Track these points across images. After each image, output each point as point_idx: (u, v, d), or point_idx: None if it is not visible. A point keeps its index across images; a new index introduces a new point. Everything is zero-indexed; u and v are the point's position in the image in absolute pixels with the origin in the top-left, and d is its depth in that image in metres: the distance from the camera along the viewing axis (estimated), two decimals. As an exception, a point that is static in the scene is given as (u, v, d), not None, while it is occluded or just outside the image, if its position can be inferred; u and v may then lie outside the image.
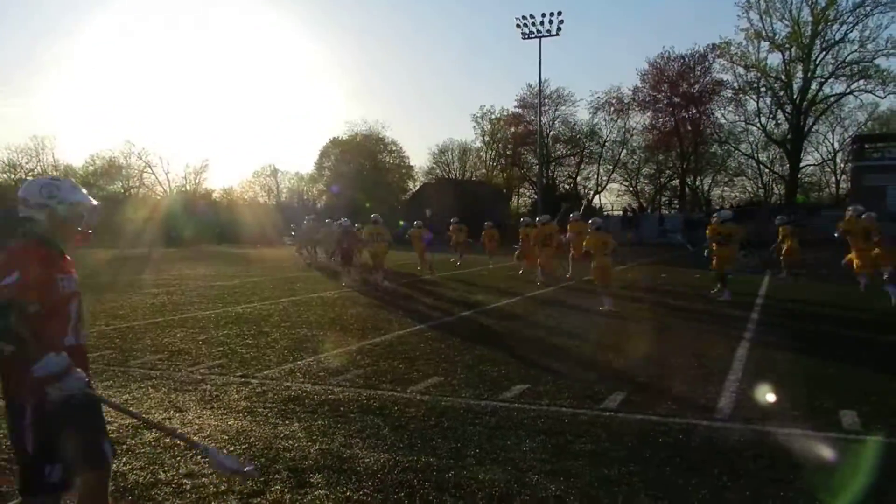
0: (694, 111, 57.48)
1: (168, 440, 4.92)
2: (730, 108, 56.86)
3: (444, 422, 5.33)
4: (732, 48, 53.70)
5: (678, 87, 56.89)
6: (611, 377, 6.71)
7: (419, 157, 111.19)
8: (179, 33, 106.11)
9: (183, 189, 65.84)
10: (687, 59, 56.43)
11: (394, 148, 68.71)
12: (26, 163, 64.08)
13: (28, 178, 62.95)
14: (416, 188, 67.57)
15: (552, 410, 5.58)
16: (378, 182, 64.05)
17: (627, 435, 4.93)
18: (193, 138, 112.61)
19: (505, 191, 67.18)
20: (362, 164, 66.00)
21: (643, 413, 5.45)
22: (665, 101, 58.23)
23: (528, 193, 67.64)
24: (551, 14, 45.72)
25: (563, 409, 5.61)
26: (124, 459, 4.56)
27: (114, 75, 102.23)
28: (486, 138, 67.76)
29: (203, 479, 4.18)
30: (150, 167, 66.53)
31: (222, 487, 4.05)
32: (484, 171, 69.08)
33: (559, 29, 45.82)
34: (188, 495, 3.97)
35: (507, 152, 66.16)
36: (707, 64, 56.11)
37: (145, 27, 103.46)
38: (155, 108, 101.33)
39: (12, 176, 63.69)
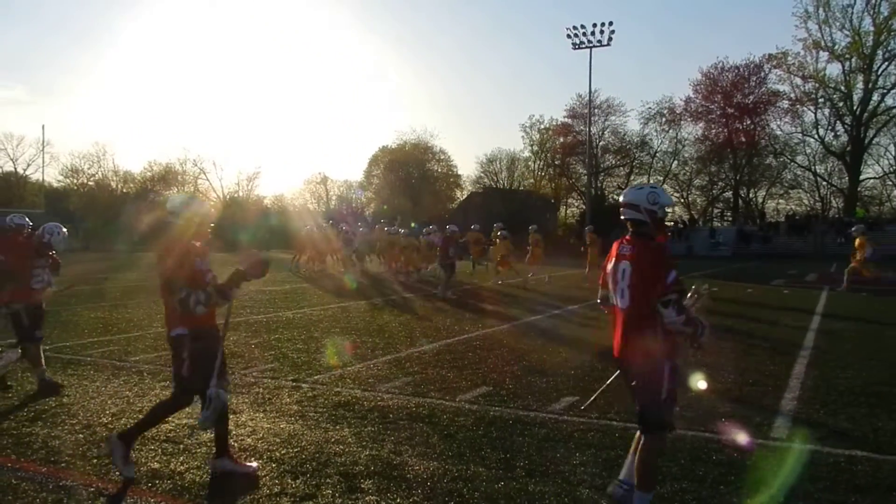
0: (748, 122, 56.20)
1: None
2: (786, 120, 55.47)
3: (492, 432, 5.33)
4: (789, 58, 52.45)
5: (732, 97, 55.72)
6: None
7: (467, 167, 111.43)
8: (233, 43, 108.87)
9: (235, 195, 67.33)
10: (742, 70, 55.28)
11: (442, 157, 69.00)
12: (88, 168, 66.46)
13: (90, 182, 65.32)
14: (464, 197, 67.65)
15: (602, 424, 5.52)
16: (426, 190, 64.37)
17: (680, 452, 4.83)
18: (246, 146, 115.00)
19: (553, 201, 66.70)
20: (410, 172, 66.47)
21: (696, 430, 5.34)
22: (718, 112, 57.10)
23: (576, 203, 67.05)
24: (602, 24, 45.48)
25: (614, 422, 5.55)
26: (181, 459, 4.69)
27: (169, 83, 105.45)
28: (535, 148, 67.45)
29: (257, 481, 4.27)
30: (204, 173, 68.26)
31: (276, 489, 4.13)
32: (532, 180, 68.71)
33: (610, 39, 45.51)
34: (243, 496, 4.06)
35: (556, 162, 65.71)
36: (762, 74, 54.88)
37: (198, 36, 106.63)
38: (209, 115, 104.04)
39: (74, 181, 66.12)
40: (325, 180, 73.00)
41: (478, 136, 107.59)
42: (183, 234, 4.31)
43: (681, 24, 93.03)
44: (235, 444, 4.97)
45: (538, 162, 68.28)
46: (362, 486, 4.19)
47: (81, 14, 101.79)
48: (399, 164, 66.94)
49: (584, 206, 57.24)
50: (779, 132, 56.50)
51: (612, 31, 45.52)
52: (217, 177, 69.29)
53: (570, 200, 68.40)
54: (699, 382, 6.30)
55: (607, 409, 5.92)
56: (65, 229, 7.06)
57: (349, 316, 12.31)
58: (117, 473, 4.33)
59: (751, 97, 55.47)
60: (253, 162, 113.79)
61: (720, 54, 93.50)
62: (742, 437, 5.09)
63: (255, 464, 4.53)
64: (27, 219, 7.05)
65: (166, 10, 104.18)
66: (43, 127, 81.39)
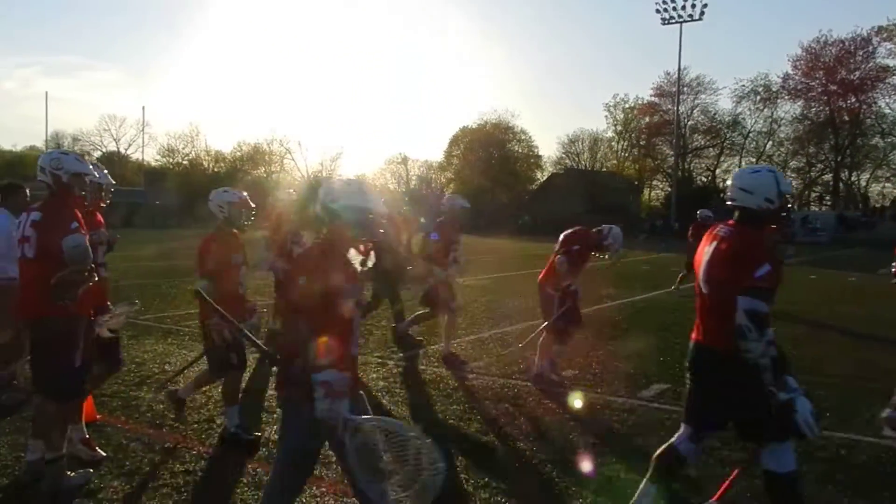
0: (853, 100, 52.78)
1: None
2: (896, 97, 51.75)
3: (581, 414, 5.24)
4: (902, 31, 48.77)
5: (835, 73, 52.41)
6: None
7: (548, 147, 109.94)
8: (319, 25, 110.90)
9: (319, 175, 68.92)
10: (847, 44, 51.85)
11: (523, 137, 68.14)
12: (183, 147, 69.50)
13: (184, 162, 68.34)
14: (545, 178, 66.82)
15: (695, 413, 5.33)
16: (505, 171, 63.88)
17: (781, 446, 4.60)
18: (331, 125, 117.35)
19: (636, 183, 64.94)
20: (490, 153, 66.09)
21: (797, 424, 5.07)
22: (819, 90, 53.87)
23: (661, 186, 65.02)
24: (695, -3, 43.61)
25: (708, 412, 5.34)
26: (275, 427, 4.83)
27: (258, 64, 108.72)
28: (619, 128, 65.65)
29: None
30: (290, 153, 70.12)
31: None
32: (615, 161, 67.04)
33: (702, 13, 43.70)
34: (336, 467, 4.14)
35: (641, 143, 63.81)
36: (871, 48, 51.29)
37: (286, 18, 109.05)
38: (296, 96, 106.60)
39: (170, 160, 69.34)
40: (405, 160, 73.62)
41: (561, 116, 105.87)
42: None
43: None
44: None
45: (622, 143, 66.51)
46: (450, 463, 4.20)
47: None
48: (479, 144, 66.63)
49: (669, 189, 55.48)
50: (887, 111, 52.86)
51: (705, 5, 43.72)
52: (302, 157, 70.65)
53: (654, 183, 66.40)
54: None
55: (700, 398, 5.71)
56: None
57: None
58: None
59: (857, 73, 52.03)
60: (337, 141, 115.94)
61: (823, 27, 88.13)
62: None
63: None
64: None
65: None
66: (143, 108, 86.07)
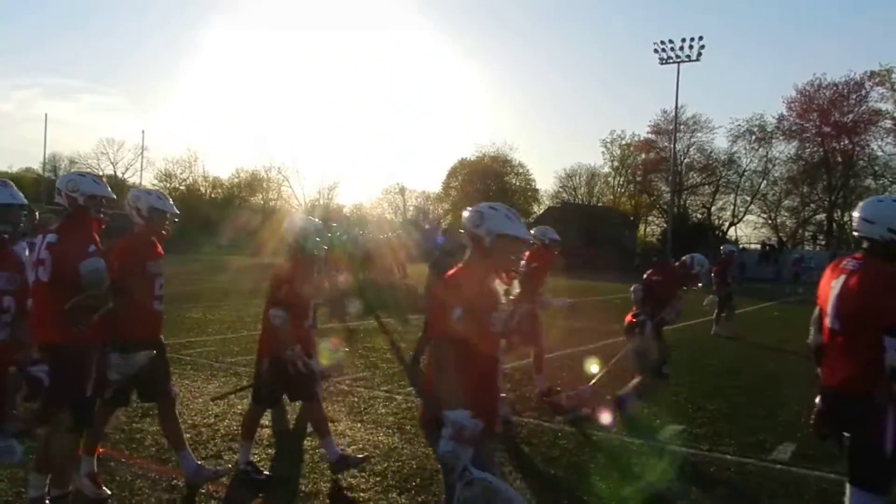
0: (846, 142, 53.46)
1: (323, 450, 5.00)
2: (888, 140, 52.40)
3: (598, 457, 5.10)
4: (894, 76, 49.62)
5: (829, 115, 53.12)
6: (776, 426, 6.17)
7: (545, 181, 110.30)
8: (318, 55, 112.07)
9: (317, 203, 68.95)
10: (840, 87, 52.64)
11: (521, 170, 68.62)
12: (180, 173, 69.51)
13: (181, 187, 68.33)
14: (542, 211, 67.08)
15: (714, 457, 5.21)
16: (503, 203, 64.16)
17: (806, 493, 4.50)
18: (329, 154, 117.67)
19: (632, 218, 65.24)
20: (488, 185, 66.39)
21: (820, 470, 4.94)
22: (813, 131, 54.55)
23: (656, 222, 65.37)
24: (692, 39, 44.24)
25: (728, 456, 5.22)
26: (286, 465, 4.68)
27: (257, 91, 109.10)
28: (616, 164, 66.26)
29: (361, 494, 4.20)
30: (287, 181, 70.23)
31: (382, 503, 4.05)
32: (611, 196, 67.47)
33: (699, 54, 44.23)
34: (349, 508, 3.99)
35: (637, 179, 64.29)
36: (863, 92, 52.09)
37: (285, 49, 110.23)
38: (294, 124, 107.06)
39: (167, 185, 69.30)
40: (402, 190, 73.82)
41: (558, 151, 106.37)
42: None
43: (774, 40, 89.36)
44: (337, 454, 4.92)
45: (618, 178, 67.04)
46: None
47: (174, 24, 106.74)
48: (477, 176, 66.98)
49: (665, 225, 55.74)
50: (880, 153, 53.51)
51: (702, 46, 44.26)
52: (300, 185, 70.78)
53: (650, 218, 66.73)
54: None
55: (717, 441, 5.58)
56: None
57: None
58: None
59: (850, 116, 52.74)
60: (334, 170, 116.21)
61: (817, 71, 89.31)
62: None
63: None
64: None
65: (256, 23, 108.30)
66: (143, 132, 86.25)
